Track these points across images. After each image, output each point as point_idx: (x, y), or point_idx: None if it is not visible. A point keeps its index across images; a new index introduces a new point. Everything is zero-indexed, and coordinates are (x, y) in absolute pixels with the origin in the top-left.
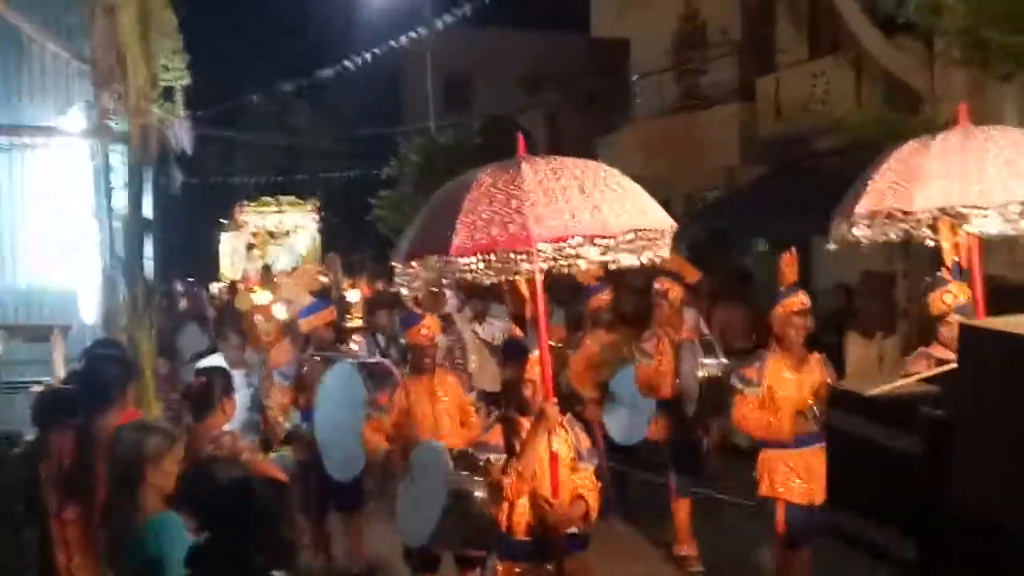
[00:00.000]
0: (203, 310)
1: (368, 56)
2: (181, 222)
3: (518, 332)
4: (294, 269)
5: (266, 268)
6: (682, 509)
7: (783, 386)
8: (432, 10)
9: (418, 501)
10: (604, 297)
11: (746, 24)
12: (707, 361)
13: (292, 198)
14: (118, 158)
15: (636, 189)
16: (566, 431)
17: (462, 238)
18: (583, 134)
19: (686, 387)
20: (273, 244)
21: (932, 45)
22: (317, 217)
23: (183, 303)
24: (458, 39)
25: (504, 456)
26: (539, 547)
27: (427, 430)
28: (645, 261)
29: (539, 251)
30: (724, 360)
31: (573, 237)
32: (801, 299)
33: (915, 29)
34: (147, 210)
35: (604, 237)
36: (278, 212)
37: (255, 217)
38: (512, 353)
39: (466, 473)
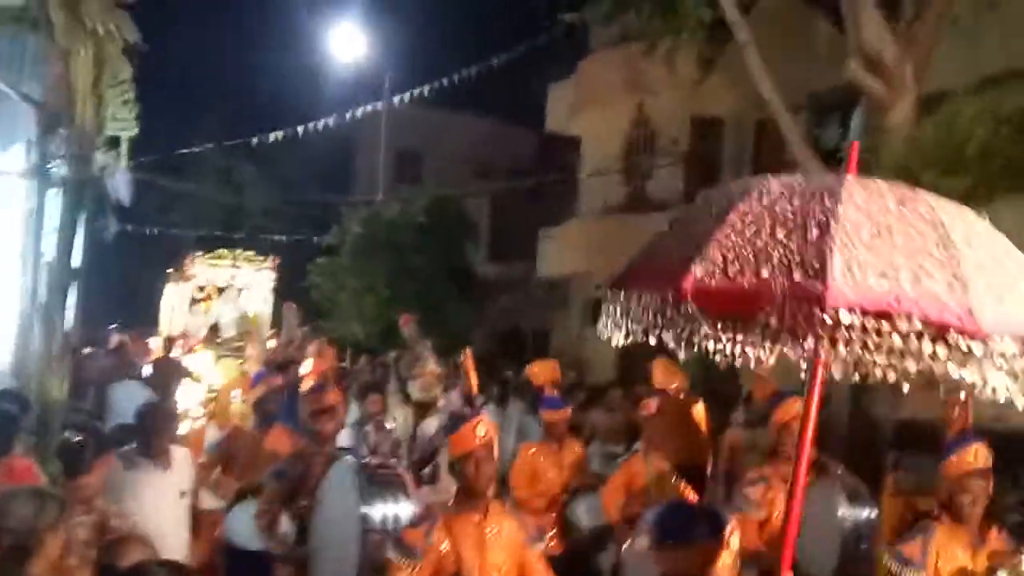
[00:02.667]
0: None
1: (320, 124)
2: (120, 271)
3: (689, 494)
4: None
5: (213, 327)
6: None
7: (954, 572)
8: (390, 84)
9: None
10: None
11: (694, 137)
12: (848, 513)
13: (250, 253)
14: (53, 202)
15: None
16: None
17: (704, 269)
18: (528, 224)
19: (814, 550)
20: (219, 301)
21: None
22: (275, 276)
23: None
24: (413, 116)
25: None
26: None
27: None
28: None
29: (838, 322)
30: (874, 511)
31: (907, 316)
32: (980, 453)
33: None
34: (76, 258)
35: (966, 333)
36: (232, 267)
37: (206, 269)
38: (684, 532)
39: None
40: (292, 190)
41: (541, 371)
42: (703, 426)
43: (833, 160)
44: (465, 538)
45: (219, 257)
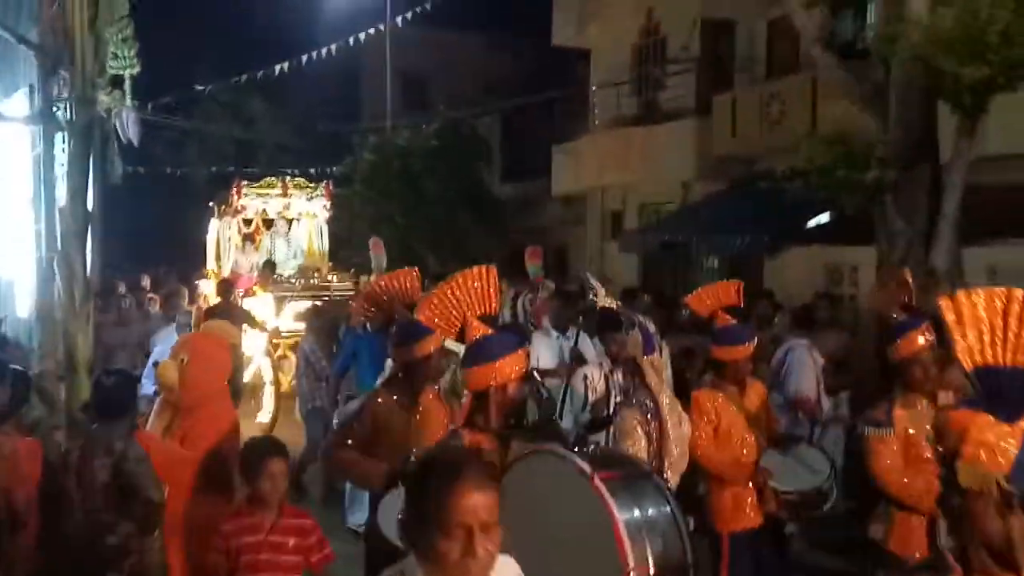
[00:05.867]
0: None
1: (325, 51)
2: (139, 212)
3: None
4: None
5: (269, 264)
6: None
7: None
8: (392, 7)
9: None
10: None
11: (705, 41)
12: None
13: (300, 180)
14: (61, 146)
15: None
16: None
17: None
18: (540, 140)
19: None
20: (267, 235)
21: (889, 73)
22: (328, 204)
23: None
24: (418, 38)
25: None
26: None
27: None
28: None
29: None
30: None
31: None
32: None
33: (872, 57)
34: (90, 202)
35: None
36: (283, 196)
37: (255, 201)
38: None
39: None
40: (301, 121)
41: (709, 296)
42: None
43: (849, 55)
44: None
45: (268, 186)
